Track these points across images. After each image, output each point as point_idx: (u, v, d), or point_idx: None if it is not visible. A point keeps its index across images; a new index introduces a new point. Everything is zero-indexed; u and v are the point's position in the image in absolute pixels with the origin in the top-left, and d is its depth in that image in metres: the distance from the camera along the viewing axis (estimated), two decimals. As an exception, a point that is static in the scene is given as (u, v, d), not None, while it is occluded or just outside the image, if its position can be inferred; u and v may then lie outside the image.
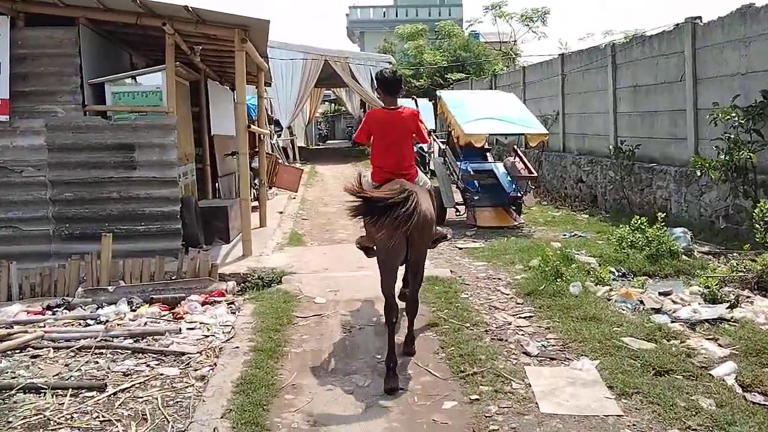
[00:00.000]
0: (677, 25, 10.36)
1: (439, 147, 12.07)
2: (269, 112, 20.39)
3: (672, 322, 5.42)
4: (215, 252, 8.01)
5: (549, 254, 6.77)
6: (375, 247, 4.96)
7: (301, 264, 7.58)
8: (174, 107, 7.52)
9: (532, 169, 10.59)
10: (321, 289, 6.54)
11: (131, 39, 8.82)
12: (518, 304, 6.05)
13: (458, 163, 10.60)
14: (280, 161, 15.15)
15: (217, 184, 10.91)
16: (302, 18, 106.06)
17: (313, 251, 8.62)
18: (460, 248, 8.71)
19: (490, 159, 11.56)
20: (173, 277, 6.81)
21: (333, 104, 48.36)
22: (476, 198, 10.32)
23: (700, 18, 9.91)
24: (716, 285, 6.02)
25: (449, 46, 29.45)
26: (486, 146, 11.45)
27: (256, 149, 13.07)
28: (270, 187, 14.55)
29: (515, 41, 30.22)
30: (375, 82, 5.45)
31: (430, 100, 20.48)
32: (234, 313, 5.91)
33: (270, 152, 14.91)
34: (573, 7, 59.80)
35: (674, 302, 5.87)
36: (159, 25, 7.26)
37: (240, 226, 8.25)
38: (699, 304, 5.77)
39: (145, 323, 5.64)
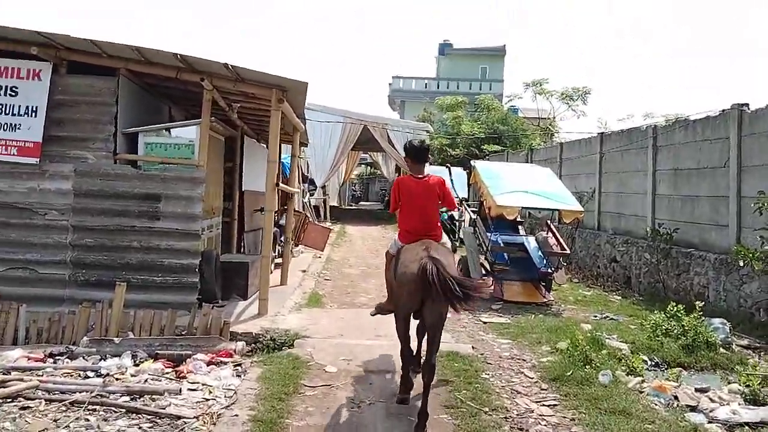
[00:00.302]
0: (723, 111, 10.13)
1: (470, 216, 11.84)
2: (304, 171, 20.52)
3: (709, 422, 4.99)
4: (231, 308, 7.79)
5: (579, 338, 6.37)
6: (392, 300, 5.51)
7: (316, 327, 7.29)
8: (204, 161, 7.48)
9: (565, 246, 10.25)
10: (333, 357, 6.22)
11: (172, 93, 8.92)
12: (542, 389, 5.64)
13: (488, 234, 10.33)
14: (309, 219, 15.07)
15: (242, 239, 10.80)
16: (345, 84, 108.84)
17: (331, 315, 8.33)
18: (485, 322, 8.34)
19: (521, 232, 11.26)
20: (183, 332, 6.59)
21: (369, 167, 48.76)
22: (505, 271, 9.97)
23: (747, 105, 9.67)
24: (758, 384, 5.55)
25: (487, 118, 29.58)
26: (518, 219, 11.20)
27: (285, 206, 13.06)
28: (296, 245, 14.43)
29: (554, 118, 30.23)
30: (404, 151, 5.76)
31: (464, 170, 20.39)
32: (239, 375, 5.62)
33: (299, 210, 14.85)
34: (614, 88, 60.24)
35: (712, 400, 5.41)
36: (198, 81, 7.29)
37: (257, 284, 8.08)
38: (739, 404, 5.32)
39: (146, 380, 5.38)
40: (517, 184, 10.09)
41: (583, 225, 14.44)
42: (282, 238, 10.54)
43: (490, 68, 49.84)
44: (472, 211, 12.14)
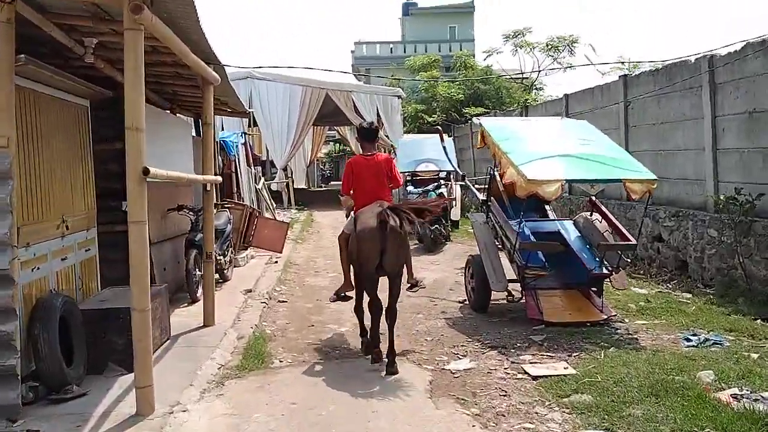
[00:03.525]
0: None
1: (477, 198, 8.48)
2: (253, 151, 16.96)
3: None
4: (91, 400, 4.33)
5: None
6: (352, 264, 5.82)
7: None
8: (11, 136, 3.99)
9: (627, 233, 6.92)
10: None
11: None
12: None
13: (511, 222, 7.02)
14: (258, 213, 11.63)
15: (151, 257, 7.28)
16: (304, 57, 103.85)
17: (276, 392, 4.73)
18: (534, 377, 5.04)
19: (551, 214, 7.96)
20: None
21: (338, 144, 45.49)
22: (541, 276, 6.68)
23: None
24: None
25: (465, 77, 26.18)
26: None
27: (224, 202, 9.74)
28: (245, 248, 11.04)
29: (539, 72, 26.88)
30: (356, 132, 6.49)
31: (448, 137, 17.13)
32: None
33: (241, 203, 11.39)
34: (596, 39, 56.17)
35: None
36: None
37: (157, 337, 4.72)
38: None
39: None
40: (549, 146, 6.74)
41: (604, 194, 11.25)
42: (200, 256, 7.10)
43: (459, 27, 46.36)
44: (478, 189, 8.82)
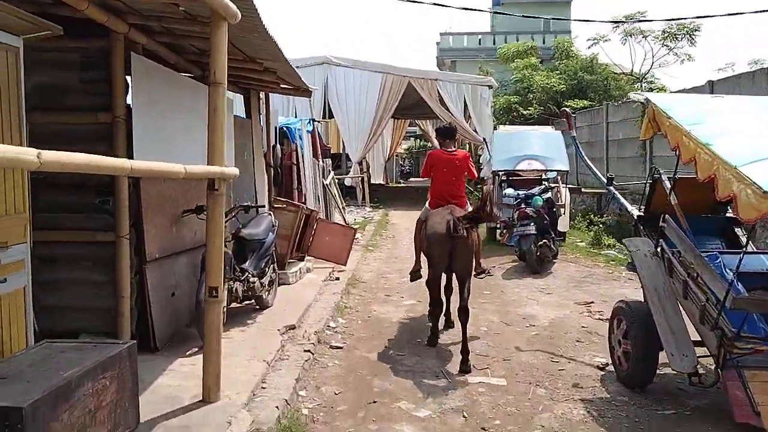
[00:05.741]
0: None
1: (627, 213, 5.72)
2: (322, 141, 14.70)
3: None
4: None
5: None
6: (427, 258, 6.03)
7: None
8: None
9: None
10: None
11: None
12: None
13: (706, 257, 4.31)
14: (318, 216, 9.29)
15: (145, 286, 5.02)
16: (386, 49, 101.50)
17: None
18: None
19: (744, 242, 5.18)
20: None
21: (418, 140, 43.08)
22: (760, 351, 3.97)
23: None
24: None
25: (566, 67, 23.08)
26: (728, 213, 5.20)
27: (260, 205, 7.67)
28: (301, 259, 8.76)
29: (652, 64, 23.47)
30: (435, 133, 7.34)
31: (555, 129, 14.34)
32: None
33: (296, 203, 9.03)
34: (713, 32, 49.12)
35: None
36: None
37: None
38: None
39: None
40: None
41: None
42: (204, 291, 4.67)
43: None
44: (630, 201, 6.07)
